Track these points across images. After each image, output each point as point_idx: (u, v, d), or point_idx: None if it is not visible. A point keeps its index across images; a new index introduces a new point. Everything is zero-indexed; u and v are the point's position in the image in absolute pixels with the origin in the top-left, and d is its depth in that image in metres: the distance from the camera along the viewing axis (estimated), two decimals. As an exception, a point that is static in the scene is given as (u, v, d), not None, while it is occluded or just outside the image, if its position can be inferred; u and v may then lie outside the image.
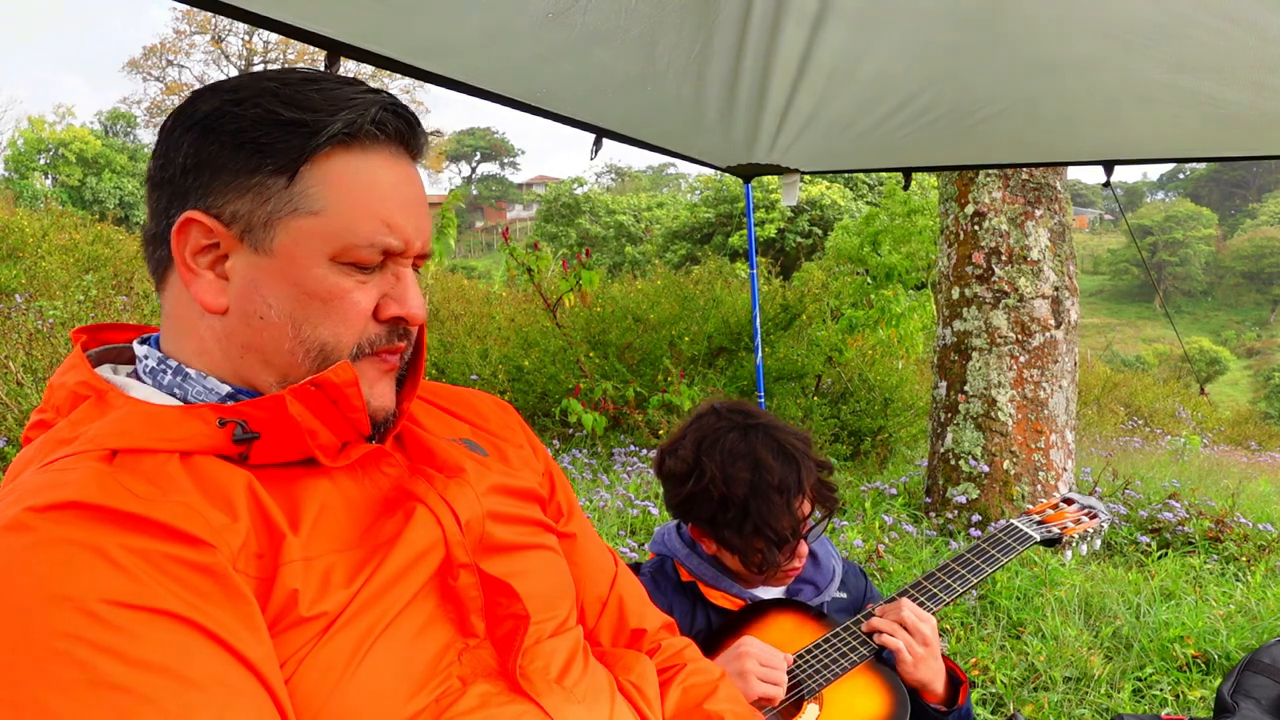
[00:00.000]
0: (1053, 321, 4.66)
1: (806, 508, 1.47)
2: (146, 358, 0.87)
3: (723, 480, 1.44)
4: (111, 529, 0.69)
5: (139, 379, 0.87)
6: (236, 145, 0.80)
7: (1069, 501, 1.78)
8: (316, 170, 0.81)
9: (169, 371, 0.85)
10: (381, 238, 0.83)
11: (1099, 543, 1.73)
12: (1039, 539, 1.65)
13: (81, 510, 0.69)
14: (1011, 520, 1.69)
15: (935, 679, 1.43)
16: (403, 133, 0.85)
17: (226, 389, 0.84)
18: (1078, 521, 1.72)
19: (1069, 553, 1.70)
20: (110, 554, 0.67)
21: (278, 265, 0.81)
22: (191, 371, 0.84)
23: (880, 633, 1.43)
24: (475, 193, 56.89)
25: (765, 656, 1.35)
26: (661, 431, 5.70)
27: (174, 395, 0.84)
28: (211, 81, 0.87)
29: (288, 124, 0.80)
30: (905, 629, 1.43)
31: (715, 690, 1.09)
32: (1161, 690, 3.05)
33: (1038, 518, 1.73)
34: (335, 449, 0.84)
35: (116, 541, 0.68)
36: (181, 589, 0.69)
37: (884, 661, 1.46)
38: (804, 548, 1.50)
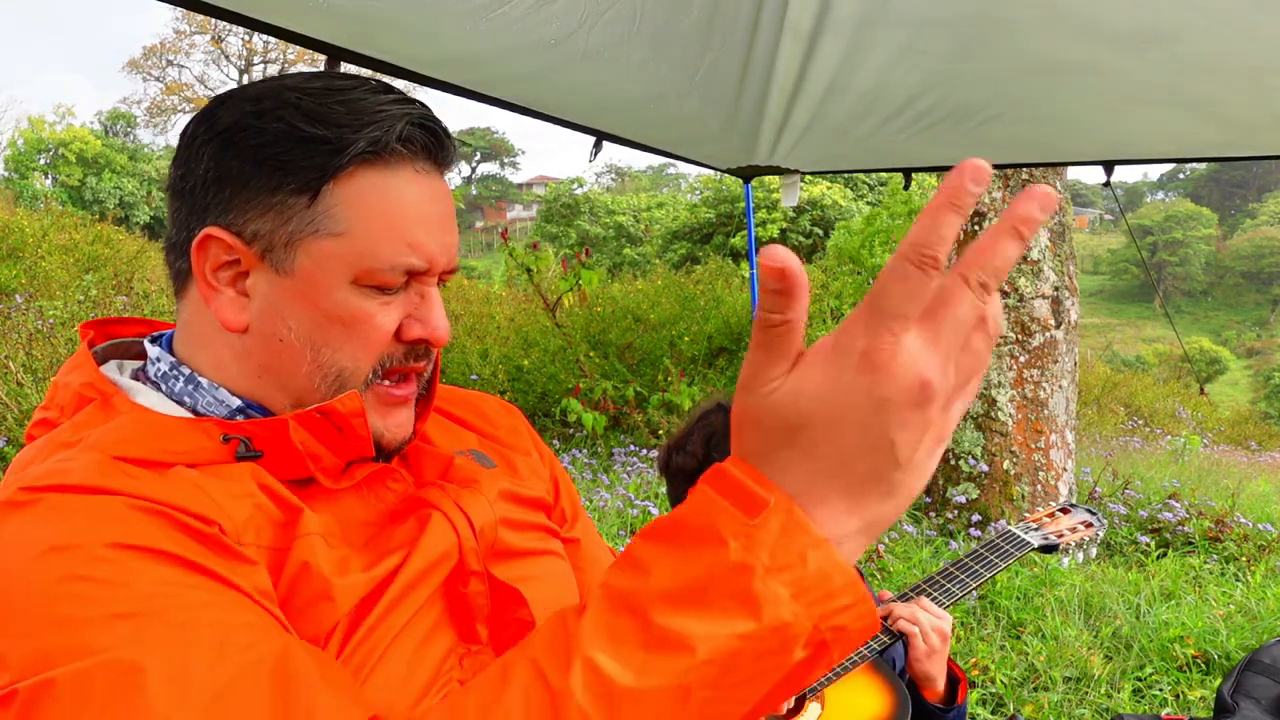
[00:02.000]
0: (1053, 321, 4.66)
1: None
2: (159, 360, 0.86)
3: None
4: (115, 496, 0.69)
5: (146, 379, 0.86)
6: (257, 162, 0.78)
7: (1066, 510, 1.81)
8: (339, 190, 0.78)
9: (180, 379, 0.84)
10: (404, 259, 0.80)
11: (1094, 550, 1.75)
12: (1036, 545, 1.68)
13: (83, 487, 0.69)
14: (1010, 526, 1.71)
15: (940, 675, 1.47)
16: (430, 146, 0.82)
17: (237, 402, 0.83)
18: (1074, 530, 1.74)
19: (1066, 560, 1.72)
20: (113, 510, 0.68)
21: (298, 287, 0.79)
22: (204, 381, 0.83)
23: (899, 619, 1.47)
24: (475, 193, 56.88)
25: None
26: (661, 431, 5.70)
27: (183, 404, 0.84)
28: (222, 84, 0.84)
29: (310, 140, 0.77)
30: (922, 622, 1.46)
31: None
32: (1161, 690, 3.05)
33: (1035, 525, 1.75)
34: (338, 470, 0.83)
35: (120, 502, 0.68)
36: (188, 540, 0.69)
37: (885, 661, 1.46)
38: None
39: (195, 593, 0.66)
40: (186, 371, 0.84)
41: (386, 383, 0.84)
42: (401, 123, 0.79)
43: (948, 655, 1.49)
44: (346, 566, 0.76)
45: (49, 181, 29.90)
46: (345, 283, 0.79)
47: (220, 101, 0.82)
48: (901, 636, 1.46)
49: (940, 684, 1.48)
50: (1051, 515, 1.79)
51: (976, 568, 1.60)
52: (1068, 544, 1.70)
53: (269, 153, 0.77)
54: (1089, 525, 1.76)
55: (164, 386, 0.85)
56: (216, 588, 0.67)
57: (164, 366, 0.85)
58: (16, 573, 0.64)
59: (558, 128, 2.34)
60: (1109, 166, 2.55)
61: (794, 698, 1.37)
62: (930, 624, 1.46)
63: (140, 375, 0.88)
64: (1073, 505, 1.83)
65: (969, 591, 1.57)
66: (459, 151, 0.87)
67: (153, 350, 0.87)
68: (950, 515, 4.69)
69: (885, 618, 1.49)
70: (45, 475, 0.71)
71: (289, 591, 0.73)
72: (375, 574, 0.78)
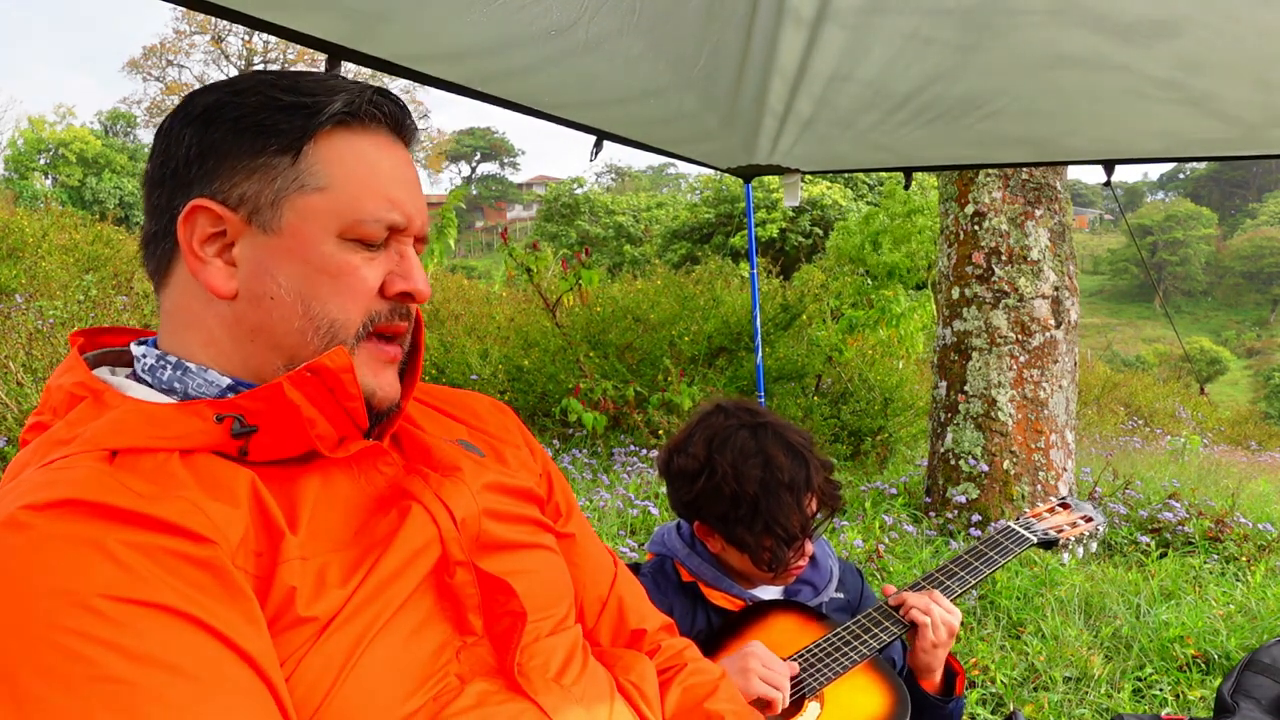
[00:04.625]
0: (1053, 321, 4.66)
1: (814, 505, 1.49)
2: (145, 356, 0.87)
3: (735, 478, 1.45)
4: (111, 525, 0.69)
5: (137, 379, 0.87)
6: (239, 130, 0.82)
7: (1065, 505, 1.80)
8: (319, 148, 0.83)
9: (168, 367, 0.85)
10: (386, 213, 0.85)
11: (1095, 546, 1.74)
12: (1036, 541, 1.66)
13: (81, 507, 0.69)
14: (1009, 523, 1.70)
15: (939, 667, 1.49)
16: (396, 117, 0.88)
17: (227, 381, 0.84)
18: (1074, 525, 1.73)
19: (1066, 555, 1.71)
20: (110, 549, 0.67)
21: (286, 244, 0.83)
22: (192, 365, 0.84)
23: (912, 608, 1.48)
24: (475, 193, 56.83)
25: (769, 660, 1.36)
26: (661, 432, 5.70)
27: (174, 390, 0.85)
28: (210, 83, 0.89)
29: (289, 106, 0.82)
30: (934, 614, 1.47)
31: (716, 690, 1.10)
32: (1161, 690, 3.05)
33: (1035, 520, 1.74)
34: (334, 441, 0.84)
35: (116, 537, 0.68)
36: (182, 584, 0.69)
37: (885, 660, 1.47)
38: (810, 546, 1.52)
39: (194, 686, 0.66)
40: (173, 359, 0.85)
41: (376, 340, 0.87)
42: (370, 91, 0.85)
43: (949, 650, 1.50)
44: (324, 582, 0.77)
45: (49, 181, 29.87)
46: (331, 236, 0.83)
47: (195, 92, 0.86)
48: (912, 626, 1.47)
49: (938, 676, 1.49)
50: (1051, 510, 1.78)
51: (976, 564, 1.60)
52: (1067, 539, 1.69)
53: (250, 121, 0.82)
54: (1089, 519, 1.75)
55: (152, 378, 0.86)
56: (210, 654, 0.67)
57: (150, 360, 0.87)
58: (9, 607, 0.64)
59: (558, 127, 2.34)
60: (1109, 166, 2.55)
61: (792, 697, 1.37)
62: (941, 617, 1.46)
63: (131, 377, 0.88)
64: (1072, 500, 1.82)
65: (969, 589, 1.57)
66: (419, 130, 0.92)
67: (138, 349, 0.89)
68: (950, 515, 4.69)
69: (898, 607, 1.50)
70: (46, 487, 0.71)
71: (274, 616, 0.74)
72: (353, 584, 0.78)
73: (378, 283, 0.86)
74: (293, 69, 0.89)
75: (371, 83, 0.88)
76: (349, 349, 0.84)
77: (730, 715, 1.07)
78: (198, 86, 0.89)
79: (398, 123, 0.88)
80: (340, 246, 0.83)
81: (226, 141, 0.82)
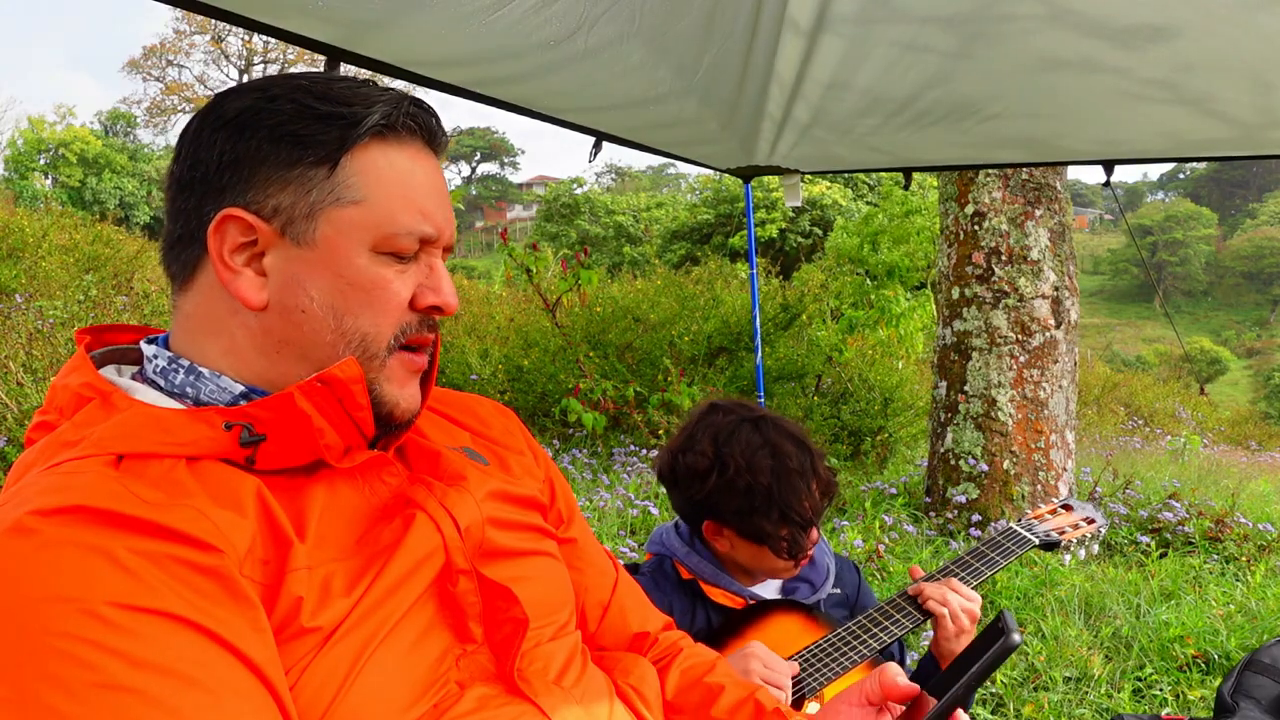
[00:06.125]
0: (1053, 321, 4.66)
1: (818, 492, 1.50)
2: (155, 357, 0.86)
3: (748, 470, 1.46)
4: (118, 532, 0.69)
5: (144, 380, 0.86)
6: (275, 139, 0.81)
7: (1068, 507, 1.80)
8: (356, 161, 0.82)
9: (181, 370, 0.84)
10: (419, 226, 0.84)
11: (1096, 548, 1.74)
12: (1037, 543, 1.67)
13: (88, 514, 0.69)
14: (1010, 524, 1.71)
15: None
16: (430, 128, 0.87)
17: (240, 388, 0.83)
18: (1075, 526, 1.73)
19: (1067, 557, 1.71)
20: (117, 556, 0.67)
21: (319, 256, 0.82)
22: (205, 371, 0.84)
23: (929, 599, 1.49)
24: (475, 193, 56.83)
25: (770, 660, 1.36)
26: (662, 431, 5.69)
27: (185, 395, 0.84)
28: (222, 83, 0.86)
29: (326, 116, 0.81)
30: (952, 603, 1.49)
31: (713, 667, 1.11)
32: (1161, 690, 3.05)
33: (1036, 522, 1.74)
34: (340, 451, 0.84)
35: (123, 544, 0.68)
36: (188, 591, 0.69)
37: (887, 658, 1.47)
38: (816, 533, 1.53)
39: (199, 694, 0.66)
40: (186, 363, 0.84)
41: (405, 352, 0.87)
42: (406, 103, 0.85)
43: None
44: (329, 592, 0.77)
45: (49, 182, 29.87)
46: (365, 249, 0.83)
47: (225, 95, 0.84)
48: (931, 616, 1.49)
49: None
50: (1053, 511, 1.78)
51: (978, 565, 1.60)
52: (1069, 540, 1.69)
53: (287, 130, 0.81)
54: (1090, 521, 1.75)
55: (164, 381, 0.85)
56: (216, 662, 0.67)
57: (162, 362, 0.86)
58: (16, 613, 0.64)
59: (558, 128, 2.35)
60: (1109, 166, 2.55)
61: (793, 697, 1.37)
62: (960, 605, 1.48)
63: (138, 377, 0.88)
64: (1074, 501, 1.82)
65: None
66: (449, 139, 0.92)
67: (149, 349, 0.87)
68: (950, 515, 4.69)
69: (916, 596, 1.50)
70: (53, 492, 0.70)
71: (280, 625, 0.74)
72: (357, 593, 0.78)
73: (409, 295, 0.85)
74: (319, 73, 0.88)
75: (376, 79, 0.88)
76: (380, 362, 0.84)
77: (731, 686, 1.08)
78: (201, 87, 0.88)
79: (431, 133, 0.87)
80: (373, 260, 0.83)
81: (261, 150, 0.81)
